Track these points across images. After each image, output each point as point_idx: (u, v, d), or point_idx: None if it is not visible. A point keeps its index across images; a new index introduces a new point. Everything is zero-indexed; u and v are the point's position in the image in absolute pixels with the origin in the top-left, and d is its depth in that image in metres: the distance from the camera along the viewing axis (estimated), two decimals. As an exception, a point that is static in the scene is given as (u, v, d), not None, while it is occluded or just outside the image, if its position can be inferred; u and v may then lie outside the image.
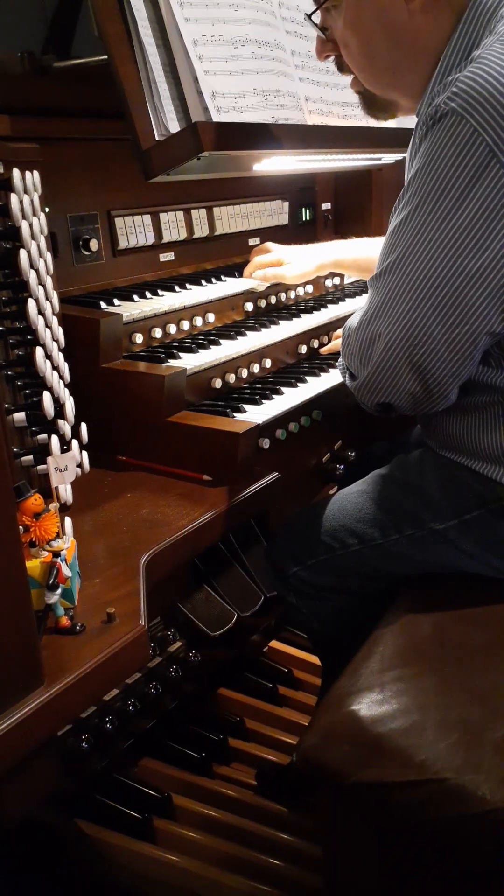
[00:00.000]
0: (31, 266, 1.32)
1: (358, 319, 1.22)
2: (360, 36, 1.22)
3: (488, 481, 1.23)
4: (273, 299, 2.03)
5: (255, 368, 1.78)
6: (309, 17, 1.29)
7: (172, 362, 1.59)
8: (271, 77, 1.69)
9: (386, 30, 1.18)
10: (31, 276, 1.32)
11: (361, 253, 1.97)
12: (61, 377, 1.42)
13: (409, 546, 1.31)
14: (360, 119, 1.97)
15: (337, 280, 2.29)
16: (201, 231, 2.01)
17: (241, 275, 1.98)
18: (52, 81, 1.62)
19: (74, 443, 1.39)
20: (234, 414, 1.55)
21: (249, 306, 1.94)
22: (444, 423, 1.29)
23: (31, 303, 1.30)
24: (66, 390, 1.43)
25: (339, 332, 1.93)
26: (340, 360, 1.37)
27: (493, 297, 1.07)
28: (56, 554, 1.06)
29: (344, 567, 1.38)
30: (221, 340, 1.74)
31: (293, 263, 1.95)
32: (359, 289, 2.30)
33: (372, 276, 1.18)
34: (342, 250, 1.99)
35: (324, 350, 1.95)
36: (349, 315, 2.03)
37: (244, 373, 1.74)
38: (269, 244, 2.05)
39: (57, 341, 1.42)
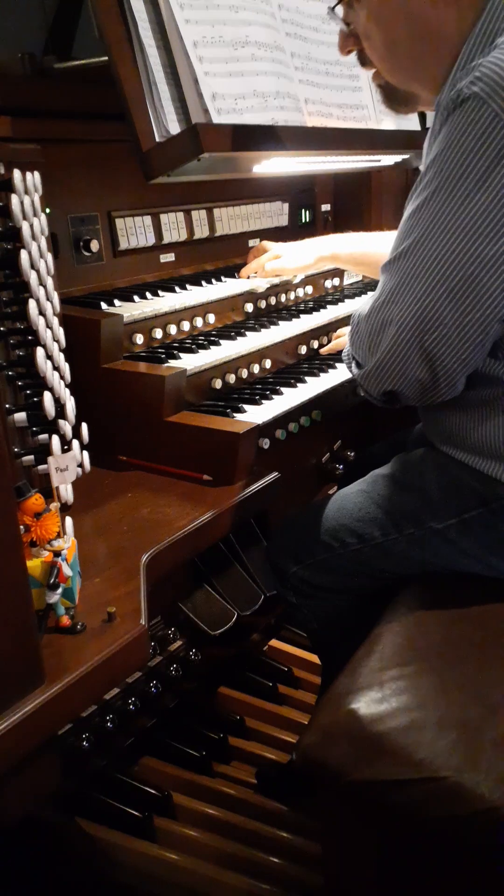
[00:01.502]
0: (32, 267, 1.32)
1: (369, 306, 1.21)
2: (383, 28, 1.21)
3: (489, 480, 1.24)
4: (273, 300, 2.04)
5: (255, 369, 1.78)
6: (332, 10, 1.29)
7: (173, 363, 1.60)
8: (271, 79, 1.70)
9: (409, 21, 1.18)
10: (32, 277, 1.32)
11: (358, 247, 1.97)
12: (62, 377, 1.42)
13: (409, 545, 1.31)
14: (360, 121, 1.98)
15: (336, 281, 2.30)
16: (201, 232, 2.01)
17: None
18: (53, 83, 1.62)
19: (75, 443, 1.40)
20: (234, 414, 1.55)
21: (249, 307, 1.95)
22: (446, 417, 1.29)
23: (31, 303, 1.30)
24: (67, 390, 1.43)
25: (340, 331, 1.94)
26: (346, 348, 1.36)
27: None
28: (57, 553, 1.07)
29: (344, 566, 1.39)
30: (221, 341, 1.75)
31: (292, 256, 1.96)
32: (358, 290, 2.31)
33: (386, 262, 1.17)
34: (339, 244, 2.00)
35: (324, 350, 1.95)
36: (349, 316, 2.04)
37: (244, 373, 1.74)
38: (267, 243, 2.06)
39: (58, 342, 1.42)
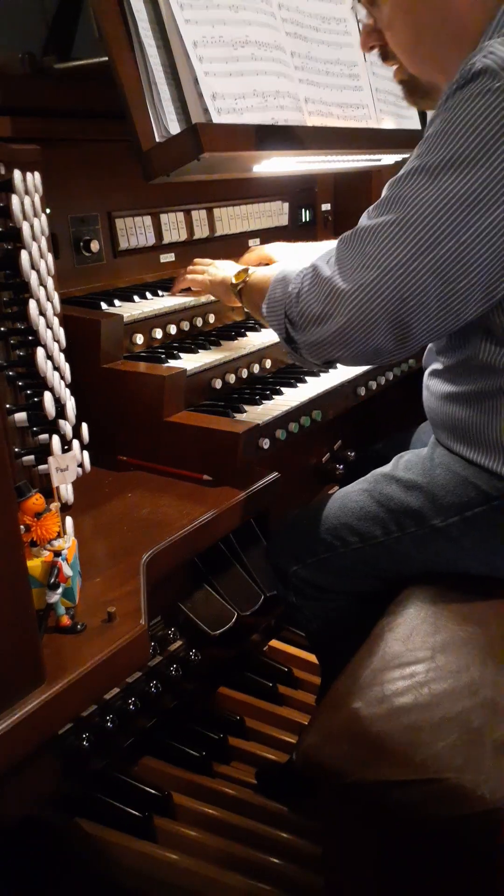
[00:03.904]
0: (33, 267, 1.32)
1: (334, 266, 1.15)
2: (409, 17, 1.22)
3: (493, 476, 1.23)
4: (273, 300, 2.03)
5: (256, 369, 1.78)
6: (358, 1, 1.29)
7: (173, 363, 1.60)
8: (271, 78, 1.70)
9: (435, 10, 1.19)
10: (33, 277, 1.32)
11: None
12: (62, 377, 1.42)
13: (411, 544, 1.31)
14: (360, 120, 1.98)
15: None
16: (201, 232, 2.01)
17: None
18: (53, 83, 1.62)
19: (75, 443, 1.40)
20: (234, 414, 1.55)
21: (250, 307, 1.95)
22: (453, 411, 1.28)
23: (32, 303, 1.30)
24: (67, 390, 1.43)
25: (197, 262, 1.76)
26: (273, 307, 1.26)
27: (496, 256, 1.06)
28: (57, 553, 1.07)
29: (345, 566, 1.39)
30: (221, 341, 1.75)
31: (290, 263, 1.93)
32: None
33: (367, 224, 1.13)
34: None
35: (174, 290, 1.80)
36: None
37: (244, 373, 1.74)
38: (265, 247, 2.03)
39: (58, 342, 1.42)
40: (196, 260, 1.84)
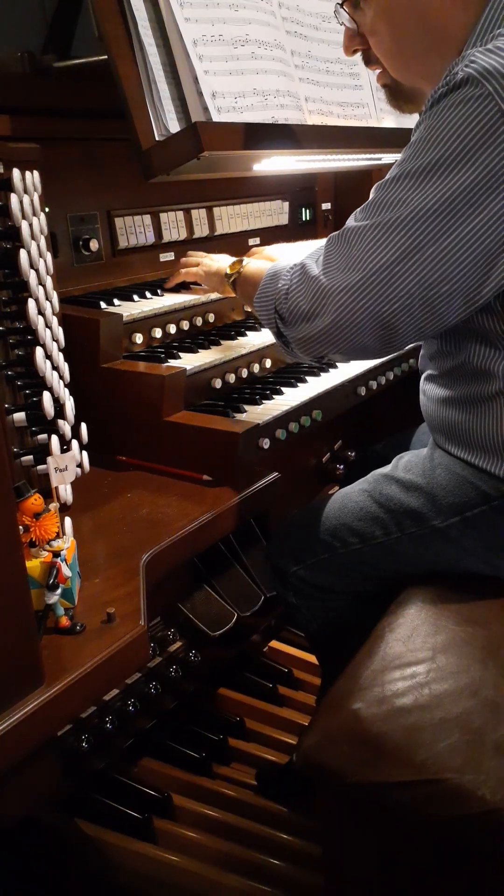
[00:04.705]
0: (31, 266, 1.32)
1: (322, 264, 1.18)
2: (392, 22, 1.22)
3: (492, 477, 1.23)
4: (273, 299, 2.03)
5: (255, 368, 1.78)
6: (340, 6, 1.29)
7: (172, 362, 1.59)
8: (271, 77, 1.69)
9: (418, 16, 1.19)
10: (31, 276, 1.32)
11: None
12: (61, 377, 1.42)
13: (411, 544, 1.31)
14: (361, 119, 1.98)
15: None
16: (201, 231, 2.01)
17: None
18: (53, 81, 1.62)
19: (74, 443, 1.39)
20: (234, 414, 1.54)
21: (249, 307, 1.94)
22: (450, 415, 1.28)
23: (31, 303, 1.30)
24: (66, 390, 1.43)
25: (190, 260, 1.79)
26: (264, 300, 1.28)
27: (479, 261, 1.06)
28: (56, 554, 1.06)
29: (344, 566, 1.38)
30: (221, 340, 1.75)
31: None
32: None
33: (355, 225, 1.14)
34: None
35: (168, 284, 1.81)
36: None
37: (244, 373, 1.74)
38: (265, 248, 2.03)
39: (57, 341, 1.42)
40: (189, 252, 1.84)
